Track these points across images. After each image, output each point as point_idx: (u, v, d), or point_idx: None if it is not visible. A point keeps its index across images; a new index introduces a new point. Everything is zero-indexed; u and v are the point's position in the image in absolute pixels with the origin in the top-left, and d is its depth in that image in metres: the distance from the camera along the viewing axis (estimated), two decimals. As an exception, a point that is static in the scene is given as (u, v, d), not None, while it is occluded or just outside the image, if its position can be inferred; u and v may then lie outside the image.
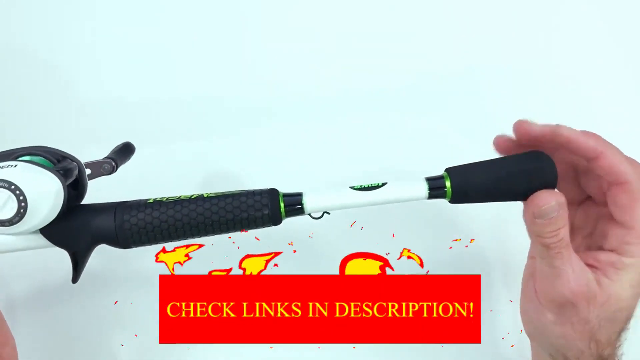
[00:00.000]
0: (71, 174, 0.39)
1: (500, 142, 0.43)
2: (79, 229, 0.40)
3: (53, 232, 0.39)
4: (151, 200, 0.41)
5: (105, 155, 0.46)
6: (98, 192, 0.43)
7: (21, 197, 0.35)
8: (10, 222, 0.36)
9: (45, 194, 0.36)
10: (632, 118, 0.60)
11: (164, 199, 0.41)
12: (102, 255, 0.43)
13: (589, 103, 0.60)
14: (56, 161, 0.40)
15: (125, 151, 0.49)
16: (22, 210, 0.35)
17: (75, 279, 0.41)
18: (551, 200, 0.38)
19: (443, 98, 0.60)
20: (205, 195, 0.41)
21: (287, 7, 0.60)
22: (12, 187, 0.35)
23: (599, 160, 0.38)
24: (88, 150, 0.43)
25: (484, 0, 0.60)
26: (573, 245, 0.39)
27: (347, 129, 0.59)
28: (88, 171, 0.44)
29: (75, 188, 0.42)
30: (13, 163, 0.36)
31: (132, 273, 0.57)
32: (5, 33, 0.59)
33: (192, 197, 0.41)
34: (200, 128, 0.59)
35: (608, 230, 0.40)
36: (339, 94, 0.59)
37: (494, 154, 0.43)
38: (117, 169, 0.46)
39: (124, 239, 0.40)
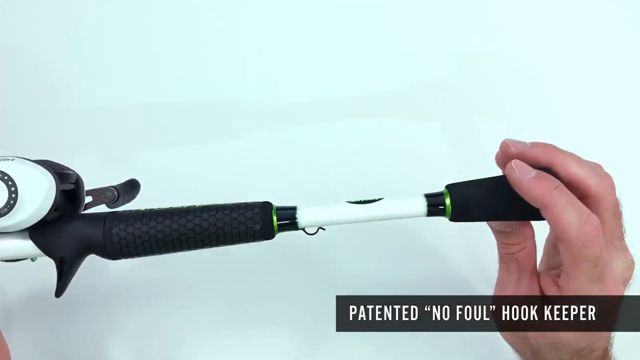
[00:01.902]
0: (67, 178, 0.40)
1: (499, 158, 0.42)
2: (67, 235, 0.39)
3: (41, 234, 0.39)
4: (142, 211, 0.41)
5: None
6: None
7: (12, 188, 0.36)
8: (-3, 213, 0.36)
9: (37, 187, 0.37)
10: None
11: (155, 210, 0.41)
12: (101, 259, 0.41)
13: (589, 106, 0.59)
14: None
15: (130, 186, 0.49)
16: (11, 202, 0.36)
17: (59, 291, 0.39)
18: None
19: (446, 112, 0.59)
20: (197, 207, 0.41)
21: (287, 11, 0.61)
22: (5, 177, 0.36)
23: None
24: (77, 156, 0.43)
25: (485, 7, 0.62)
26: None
27: (345, 142, 0.58)
28: (89, 199, 0.44)
29: (72, 202, 0.42)
30: (10, 157, 0.37)
31: (130, 278, 0.55)
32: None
33: (184, 208, 0.41)
34: (194, 138, 0.59)
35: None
36: (337, 105, 0.59)
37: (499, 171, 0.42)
38: (118, 200, 0.46)
39: (112, 249, 0.39)
